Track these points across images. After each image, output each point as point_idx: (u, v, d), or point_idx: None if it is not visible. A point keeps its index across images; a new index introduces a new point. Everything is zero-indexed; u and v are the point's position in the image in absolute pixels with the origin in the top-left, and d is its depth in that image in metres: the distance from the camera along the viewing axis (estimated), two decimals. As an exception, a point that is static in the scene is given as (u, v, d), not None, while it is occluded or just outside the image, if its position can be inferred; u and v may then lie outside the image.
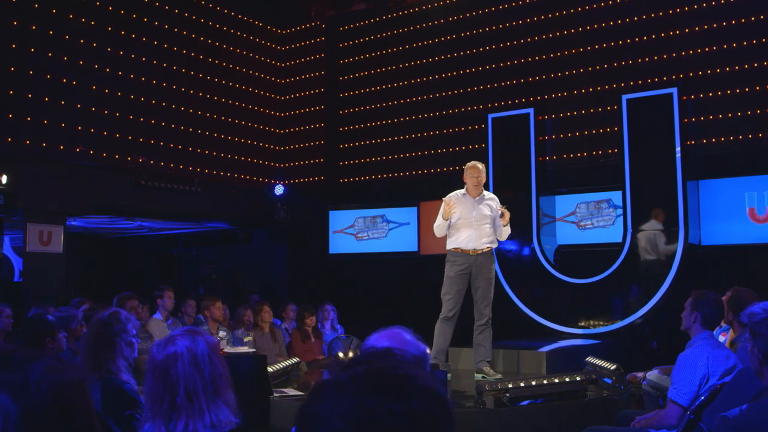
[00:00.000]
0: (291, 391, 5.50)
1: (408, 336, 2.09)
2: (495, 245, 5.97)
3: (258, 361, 5.46)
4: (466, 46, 10.19)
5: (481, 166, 6.01)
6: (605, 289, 8.45)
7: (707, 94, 8.43)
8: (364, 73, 11.24)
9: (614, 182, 8.59)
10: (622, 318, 8.29)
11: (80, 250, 12.10)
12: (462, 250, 5.85)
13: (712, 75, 8.41)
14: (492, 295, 5.85)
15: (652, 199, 8.26)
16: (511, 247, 9.09)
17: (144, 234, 12.92)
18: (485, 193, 6.02)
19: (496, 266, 6.15)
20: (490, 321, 5.83)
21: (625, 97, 8.47)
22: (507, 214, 5.81)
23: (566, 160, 9.25)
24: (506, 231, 5.95)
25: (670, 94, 8.21)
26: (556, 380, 5.19)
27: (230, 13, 11.11)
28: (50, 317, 3.98)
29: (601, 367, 6.18)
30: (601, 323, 8.45)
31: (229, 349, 6.10)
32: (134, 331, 3.47)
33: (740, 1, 8.31)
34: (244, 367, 5.29)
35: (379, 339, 2.06)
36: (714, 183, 8.23)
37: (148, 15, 9.90)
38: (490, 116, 9.41)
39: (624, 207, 8.41)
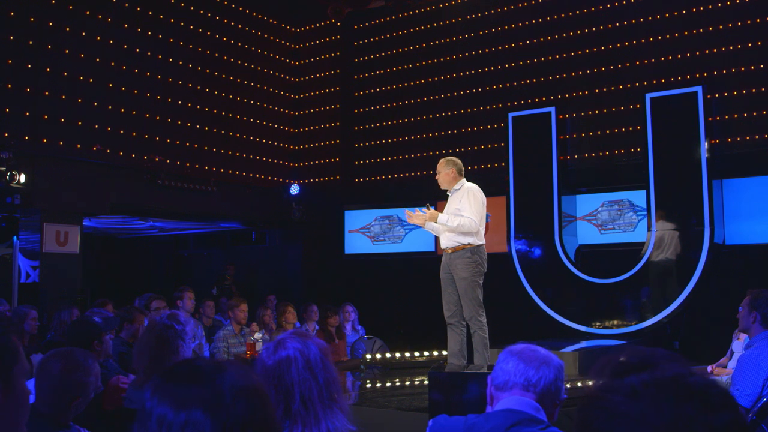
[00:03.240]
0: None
1: (542, 350, 2.03)
2: (467, 241, 5.30)
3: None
4: (486, 44, 10.08)
5: (441, 161, 5.60)
6: (629, 289, 8.39)
7: (731, 93, 8.37)
8: (379, 72, 11.13)
9: (636, 182, 8.53)
10: (646, 318, 8.23)
11: (88, 251, 11.92)
12: (443, 250, 5.52)
13: (736, 73, 8.35)
14: (474, 296, 5.27)
15: (676, 199, 8.20)
16: (532, 246, 9.02)
17: (154, 234, 12.78)
18: (458, 184, 5.49)
19: (476, 266, 5.32)
20: (480, 324, 5.29)
21: (648, 96, 8.41)
22: (427, 213, 5.34)
23: (588, 159, 9.17)
24: (450, 223, 5.27)
25: (695, 93, 8.16)
26: (600, 381, 5.08)
27: (245, 11, 10.99)
28: (97, 319, 3.88)
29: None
30: (625, 323, 8.39)
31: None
32: (191, 334, 3.37)
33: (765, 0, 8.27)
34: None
35: (510, 355, 2.01)
36: (738, 182, 8.18)
37: (164, 12, 9.79)
38: (511, 115, 9.33)
39: (648, 207, 8.34)
